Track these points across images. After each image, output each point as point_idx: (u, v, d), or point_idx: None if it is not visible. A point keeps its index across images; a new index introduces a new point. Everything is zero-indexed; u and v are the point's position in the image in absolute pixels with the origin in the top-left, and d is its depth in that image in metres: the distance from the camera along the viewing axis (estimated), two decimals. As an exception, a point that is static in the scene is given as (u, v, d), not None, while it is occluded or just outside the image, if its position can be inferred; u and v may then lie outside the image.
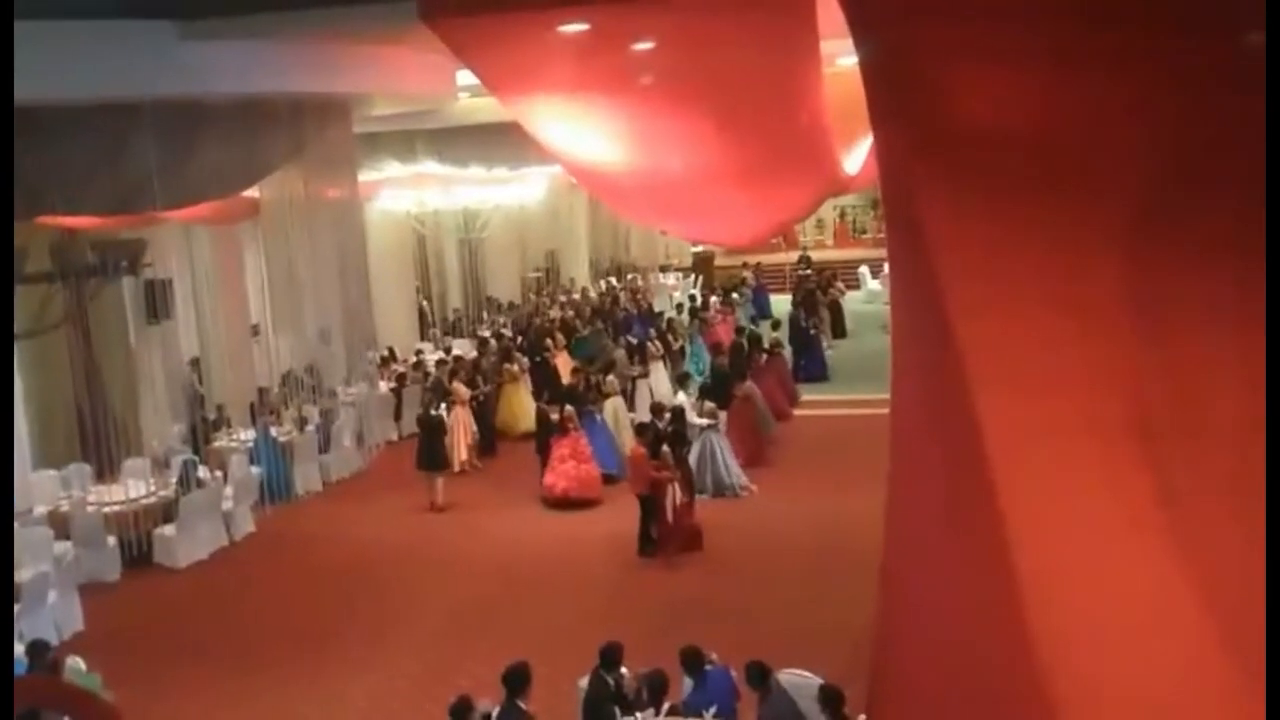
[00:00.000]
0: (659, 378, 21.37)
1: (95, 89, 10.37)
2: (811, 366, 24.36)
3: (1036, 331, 6.36)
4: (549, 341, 23.84)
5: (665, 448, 15.05)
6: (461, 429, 19.38)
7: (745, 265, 34.04)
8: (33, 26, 9.42)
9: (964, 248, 6.47)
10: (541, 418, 18.10)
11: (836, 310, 28.76)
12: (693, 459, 16.33)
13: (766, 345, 22.66)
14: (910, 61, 6.59)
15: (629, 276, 35.40)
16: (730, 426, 18.18)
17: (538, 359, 23.02)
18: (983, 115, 6.36)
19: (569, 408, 17.79)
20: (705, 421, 17.14)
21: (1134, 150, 5.96)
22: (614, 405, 19.14)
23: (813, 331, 25.18)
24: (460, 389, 19.77)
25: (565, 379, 21.13)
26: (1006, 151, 6.29)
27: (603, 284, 34.77)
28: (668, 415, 16.39)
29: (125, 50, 10.21)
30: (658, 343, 23.11)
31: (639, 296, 31.65)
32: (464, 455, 19.26)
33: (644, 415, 18.05)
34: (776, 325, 26.05)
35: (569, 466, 17.09)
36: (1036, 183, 6.23)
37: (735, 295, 29.91)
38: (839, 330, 28.39)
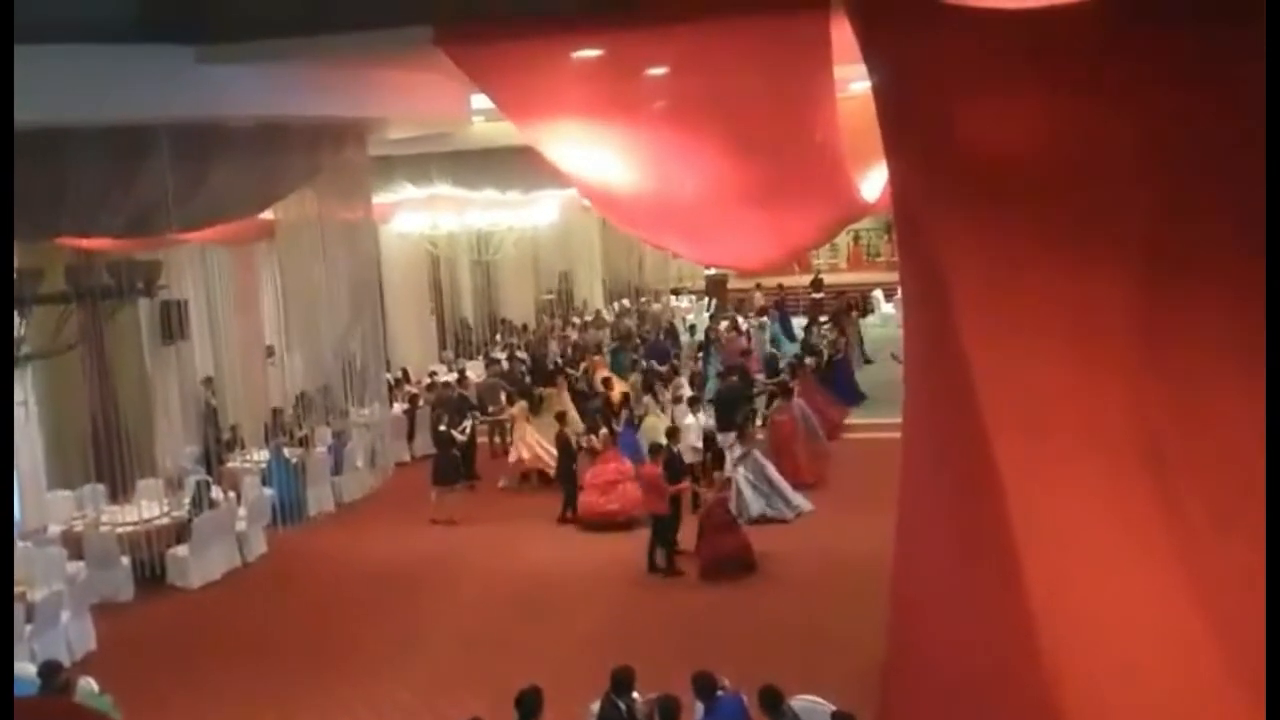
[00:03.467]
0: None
1: (112, 111, 10.42)
2: (842, 390, 24.16)
3: (1045, 361, 6.36)
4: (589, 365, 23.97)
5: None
6: (528, 439, 19.48)
7: (759, 287, 34.09)
8: (51, 50, 9.50)
9: (975, 276, 6.48)
10: (563, 443, 18.06)
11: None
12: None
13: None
14: (922, 88, 6.61)
15: (642, 299, 35.47)
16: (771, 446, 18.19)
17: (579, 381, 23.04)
18: (992, 142, 6.38)
19: (604, 430, 17.88)
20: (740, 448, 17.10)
21: (1140, 181, 5.97)
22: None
23: (838, 356, 24.99)
24: (521, 406, 19.89)
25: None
26: (1016, 180, 6.30)
27: (616, 305, 34.87)
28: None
29: (142, 73, 10.27)
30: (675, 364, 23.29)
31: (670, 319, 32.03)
32: (542, 456, 19.33)
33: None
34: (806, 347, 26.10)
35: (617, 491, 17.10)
36: (1045, 212, 6.25)
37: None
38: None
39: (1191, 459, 6.02)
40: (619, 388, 21.84)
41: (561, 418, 18.84)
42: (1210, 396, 5.97)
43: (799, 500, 16.95)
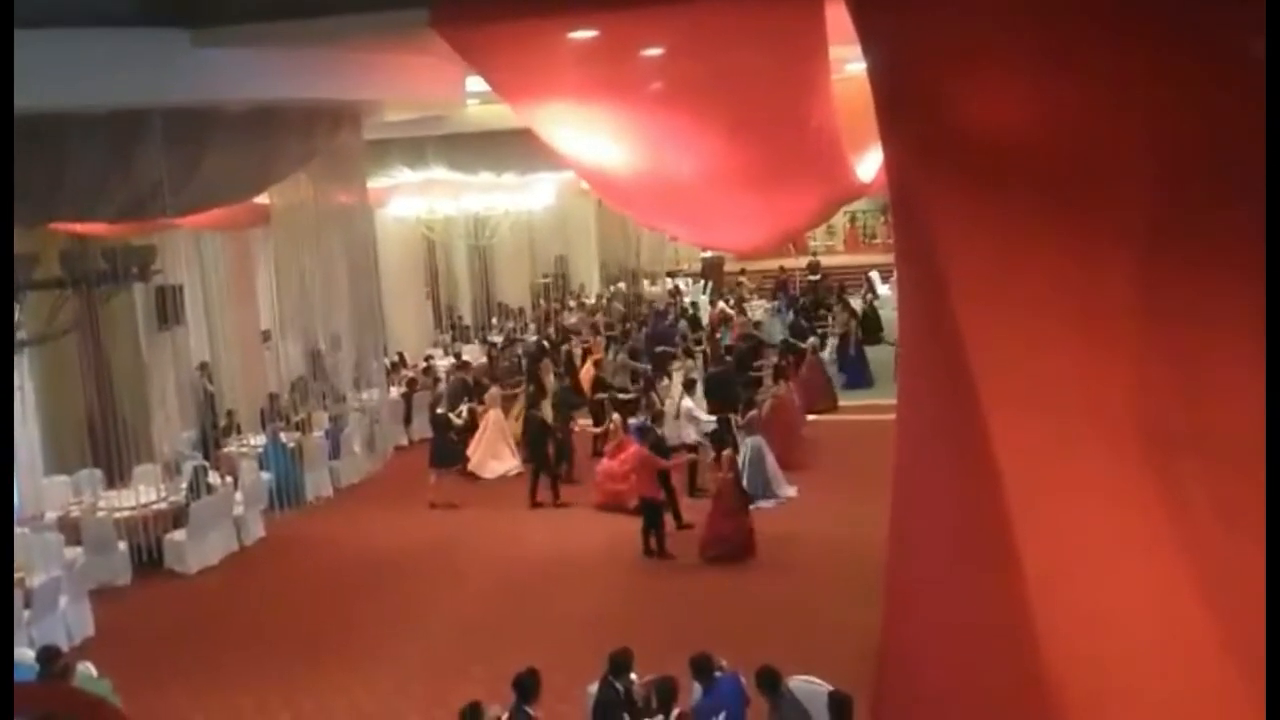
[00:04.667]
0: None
1: (107, 96, 10.38)
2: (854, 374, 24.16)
3: (1046, 345, 6.35)
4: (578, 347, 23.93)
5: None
6: (497, 432, 19.44)
7: (743, 272, 34.20)
8: (45, 34, 9.44)
9: (973, 260, 6.46)
10: (535, 425, 18.05)
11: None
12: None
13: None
14: (917, 70, 6.59)
15: (638, 283, 35.49)
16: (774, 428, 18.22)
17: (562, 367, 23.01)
18: (989, 124, 6.36)
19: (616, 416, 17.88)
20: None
21: (1142, 162, 5.95)
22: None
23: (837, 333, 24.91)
24: (494, 393, 19.84)
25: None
26: (1014, 161, 6.28)
27: (611, 289, 34.85)
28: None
29: (137, 57, 10.21)
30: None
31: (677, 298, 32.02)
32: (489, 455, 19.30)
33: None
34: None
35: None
36: (1045, 194, 6.23)
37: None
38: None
39: (1196, 443, 6.00)
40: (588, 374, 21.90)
41: (537, 402, 18.85)
42: (1216, 379, 5.95)
43: (784, 489, 16.96)
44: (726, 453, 15.07)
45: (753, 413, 17.28)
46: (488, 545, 16.02)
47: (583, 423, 19.86)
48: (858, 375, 23.93)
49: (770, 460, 16.89)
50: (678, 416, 17.58)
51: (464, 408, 19.74)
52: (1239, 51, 5.50)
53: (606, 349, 24.28)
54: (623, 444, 17.18)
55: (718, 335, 25.43)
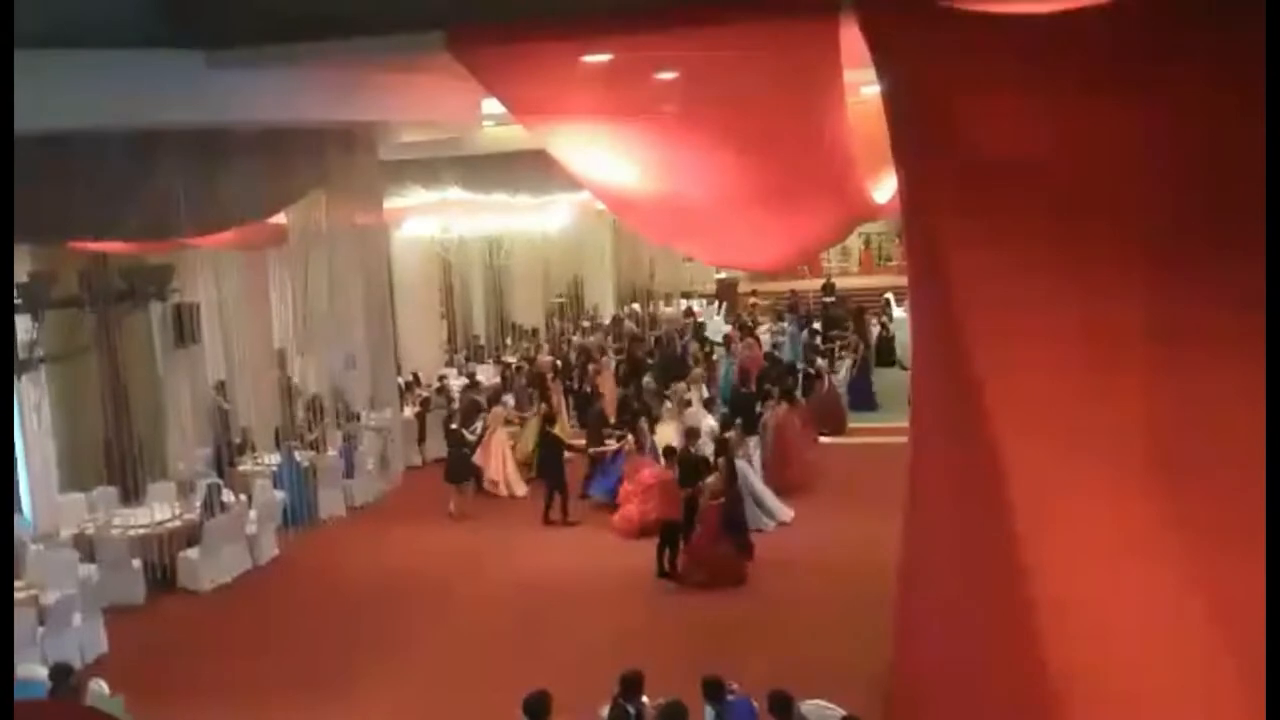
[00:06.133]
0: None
1: (124, 117, 10.48)
2: (859, 397, 24.06)
3: (1053, 363, 6.36)
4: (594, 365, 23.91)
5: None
6: (500, 452, 19.45)
7: (754, 293, 34.07)
8: (61, 55, 9.54)
9: (984, 279, 6.48)
10: (551, 442, 18.03)
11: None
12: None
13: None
14: (931, 94, 6.61)
15: (653, 304, 35.45)
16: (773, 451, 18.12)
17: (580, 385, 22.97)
18: (1001, 146, 6.37)
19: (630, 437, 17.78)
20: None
21: (1151, 185, 5.97)
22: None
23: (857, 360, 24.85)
24: (497, 412, 19.84)
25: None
26: (1025, 185, 6.30)
27: (625, 309, 34.84)
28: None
29: (153, 79, 10.31)
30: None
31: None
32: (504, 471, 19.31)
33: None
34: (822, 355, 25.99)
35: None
36: (1055, 217, 6.25)
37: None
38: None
39: (1200, 460, 6.00)
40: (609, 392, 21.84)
41: (550, 419, 18.85)
42: (1220, 396, 5.96)
43: (782, 511, 16.86)
44: (710, 480, 14.78)
45: (730, 434, 16.99)
46: (499, 565, 16.01)
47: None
48: (863, 398, 23.84)
49: (756, 484, 16.74)
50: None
51: (477, 425, 19.73)
52: (1245, 75, 5.50)
53: (617, 371, 24.31)
54: (638, 466, 17.13)
55: (714, 357, 25.30)
